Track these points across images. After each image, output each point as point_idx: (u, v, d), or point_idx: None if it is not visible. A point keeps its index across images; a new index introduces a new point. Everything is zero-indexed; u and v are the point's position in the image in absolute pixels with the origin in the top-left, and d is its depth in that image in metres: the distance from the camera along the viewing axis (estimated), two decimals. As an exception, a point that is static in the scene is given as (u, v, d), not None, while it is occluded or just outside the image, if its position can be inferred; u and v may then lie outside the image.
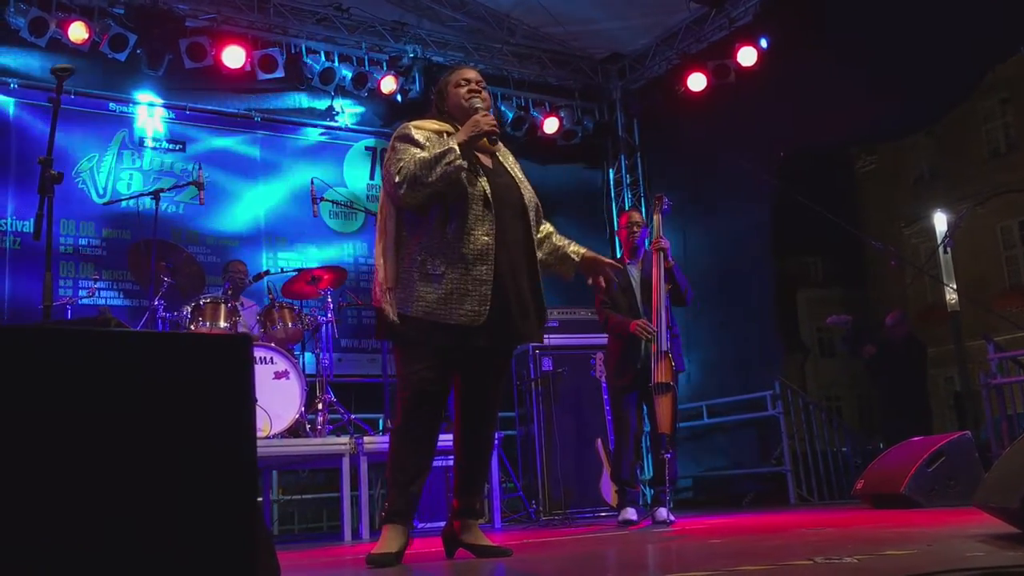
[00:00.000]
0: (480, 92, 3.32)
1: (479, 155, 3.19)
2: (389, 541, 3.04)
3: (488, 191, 3.08)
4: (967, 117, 18.07)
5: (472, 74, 3.40)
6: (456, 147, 3.03)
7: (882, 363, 7.70)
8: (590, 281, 3.41)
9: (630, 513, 5.22)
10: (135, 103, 7.63)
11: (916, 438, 5.34)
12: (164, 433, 1.21)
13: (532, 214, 3.22)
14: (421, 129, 3.17)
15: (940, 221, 7.77)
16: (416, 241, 3.07)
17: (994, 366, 6.85)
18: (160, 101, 7.70)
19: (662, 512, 5.00)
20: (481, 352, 3.08)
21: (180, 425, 1.20)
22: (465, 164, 3.03)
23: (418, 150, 3.07)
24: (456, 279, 2.98)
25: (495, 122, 3.18)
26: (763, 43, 7.90)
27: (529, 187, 3.29)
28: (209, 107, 7.92)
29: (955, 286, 7.38)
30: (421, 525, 6.47)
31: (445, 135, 3.16)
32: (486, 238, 3.02)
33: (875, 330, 8.11)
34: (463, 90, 3.30)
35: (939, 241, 7.24)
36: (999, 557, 1.99)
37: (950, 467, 4.80)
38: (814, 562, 2.08)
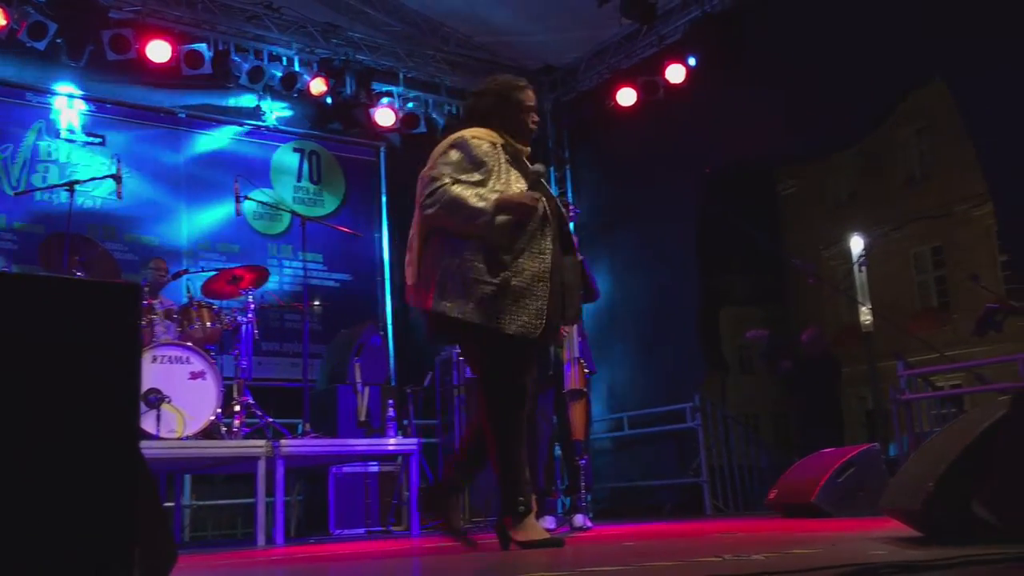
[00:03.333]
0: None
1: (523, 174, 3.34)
2: (539, 529, 3.21)
3: (548, 212, 3.24)
4: (885, 144, 18.66)
5: (534, 100, 3.52)
6: (491, 212, 3.13)
7: (798, 378, 7.88)
8: None
9: (547, 521, 5.22)
10: (54, 94, 7.42)
11: (827, 450, 5.45)
12: (33, 385, 1.13)
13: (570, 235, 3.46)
14: (480, 140, 3.27)
15: (856, 244, 8.02)
16: (474, 250, 3.15)
17: (903, 383, 7.07)
18: (80, 93, 7.49)
19: (579, 518, 5.02)
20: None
21: (54, 378, 1.13)
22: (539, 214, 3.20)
23: (464, 176, 3.18)
24: (518, 292, 3.11)
25: (538, 210, 3.25)
26: (691, 61, 8.04)
27: None
28: (131, 101, 7.73)
29: (870, 305, 7.60)
30: (338, 531, 6.39)
31: (499, 148, 3.28)
32: (546, 256, 3.19)
33: (792, 346, 8.30)
34: (530, 119, 3.46)
35: (854, 261, 7.46)
36: (900, 555, 2.04)
37: (859, 477, 4.92)
38: (722, 559, 2.11)
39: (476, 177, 3.20)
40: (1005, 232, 7.34)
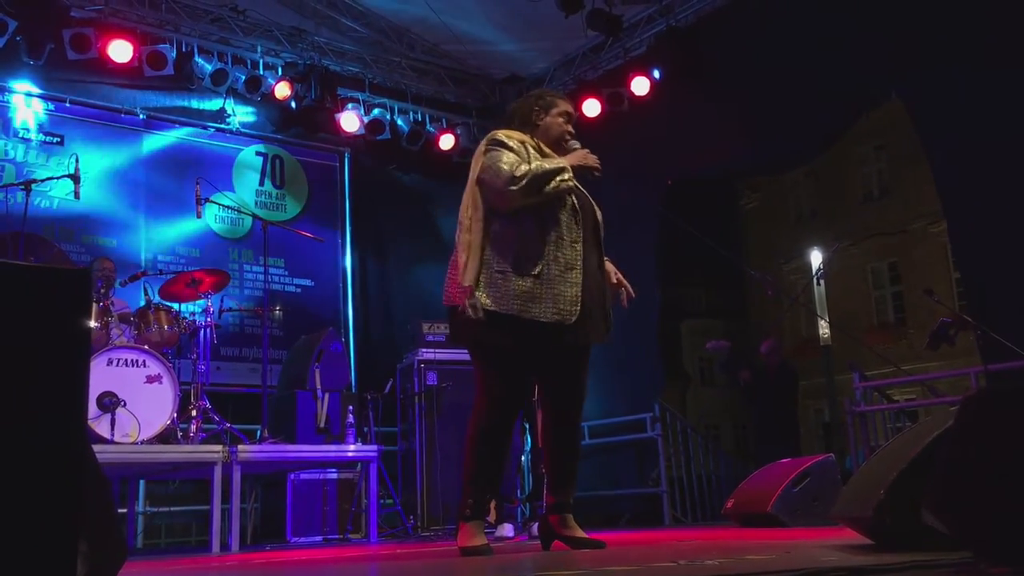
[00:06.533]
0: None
1: None
2: (477, 536, 3.17)
3: (576, 204, 3.35)
4: (845, 160, 18.97)
5: (572, 110, 3.60)
6: (570, 168, 3.31)
7: (757, 388, 7.97)
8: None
9: (507, 529, 5.23)
10: (11, 92, 7.28)
11: (784, 460, 5.52)
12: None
13: (602, 233, 3.50)
14: (511, 138, 3.36)
15: (815, 258, 8.13)
16: (510, 243, 3.24)
17: (859, 395, 7.17)
18: (38, 91, 7.38)
19: (508, 528, 5.04)
20: (566, 351, 3.28)
21: None
22: (574, 185, 3.33)
23: (516, 156, 3.27)
24: (553, 280, 3.18)
25: (599, 163, 3.44)
26: (656, 74, 8.11)
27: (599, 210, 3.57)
28: (91, 101, 7.62)
29: (827, 318, 7.70)
30: (295, 539, 6.33)
31: (528, 145, 3.35)
32: (577, 246, 3.28)
33: (751, 357, 8.38)
34: (565, 126, 3.52)
35: (813, 273, 7.56)
36: (850, 560, 2.07)
37: (815, 487, 4.98)
38: (677, 564, 2.12)
39: None
40: (958, 251, 7.49)
